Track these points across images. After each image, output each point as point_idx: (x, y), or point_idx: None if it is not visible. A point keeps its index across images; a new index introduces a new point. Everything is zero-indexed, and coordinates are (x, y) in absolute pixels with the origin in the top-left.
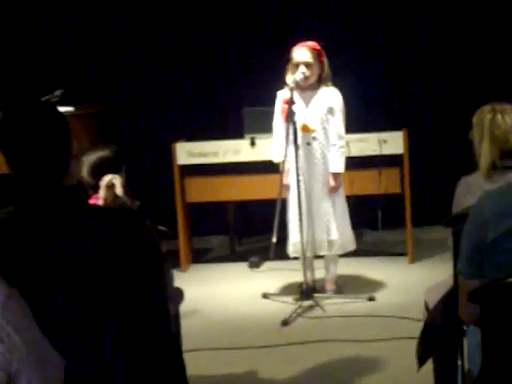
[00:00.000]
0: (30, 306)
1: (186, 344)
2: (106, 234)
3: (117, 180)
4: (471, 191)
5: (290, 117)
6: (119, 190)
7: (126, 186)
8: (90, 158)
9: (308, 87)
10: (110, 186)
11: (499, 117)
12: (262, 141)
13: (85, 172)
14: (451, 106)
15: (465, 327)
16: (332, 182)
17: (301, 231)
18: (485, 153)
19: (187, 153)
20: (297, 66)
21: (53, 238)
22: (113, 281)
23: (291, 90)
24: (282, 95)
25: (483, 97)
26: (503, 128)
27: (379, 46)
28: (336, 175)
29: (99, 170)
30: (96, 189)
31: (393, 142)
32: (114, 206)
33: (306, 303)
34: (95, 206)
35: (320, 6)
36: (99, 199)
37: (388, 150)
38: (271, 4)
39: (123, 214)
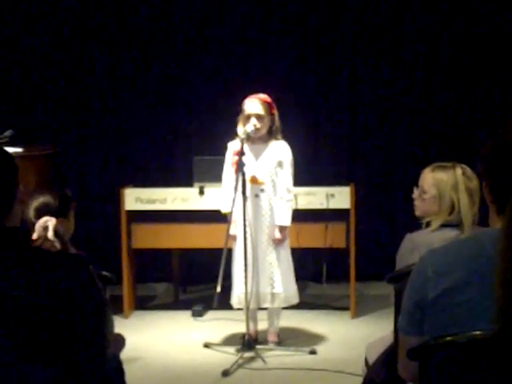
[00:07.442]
0: None
1: None
2: (47, 276)
3: (51, 222)
4: (418, 248)
5: (239, 168)
6: (50, 234)
7: (60, 233)
8: (37, 200)
9: (258, 139)
10: (45, 228)
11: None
12: (210, 190)
13: (31, 212)
14: (398, 162)
15: None
16: (278, 235)
17: (245, 282)
18: (466, 207)
19: (135, 199)
20: (248, 117)
21: None
22: (52, 323)
23: (242, 141)
24: (233, 147)
25: (428, 155)
26: (476, 180)
27: (329, 100)
28: (282, 228)
29: (43, 213)
30: None
31: (340, 197)
32: (43, 248)
33: (248, 354)
34: (38, 248)
35: (270, 59)
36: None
37: (335, 204)
38: (222, 55)
39: (66, 257)
